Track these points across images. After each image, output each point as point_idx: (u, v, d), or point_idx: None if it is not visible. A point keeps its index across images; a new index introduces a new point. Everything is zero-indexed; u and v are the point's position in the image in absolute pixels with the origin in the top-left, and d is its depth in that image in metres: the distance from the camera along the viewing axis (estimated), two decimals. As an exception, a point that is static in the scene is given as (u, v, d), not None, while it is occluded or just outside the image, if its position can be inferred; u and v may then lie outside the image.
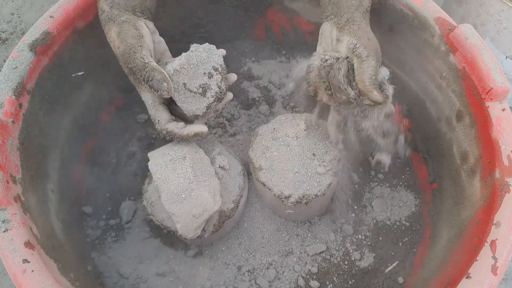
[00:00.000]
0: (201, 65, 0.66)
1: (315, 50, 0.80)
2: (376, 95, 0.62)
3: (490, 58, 0.68)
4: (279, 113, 1.01)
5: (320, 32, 0.72)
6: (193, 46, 0.67)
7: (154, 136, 0.98)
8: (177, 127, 0.69)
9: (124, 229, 0.86)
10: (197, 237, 0.72)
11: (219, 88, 0.67)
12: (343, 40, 0.65)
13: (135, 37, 0.64)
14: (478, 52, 0.68)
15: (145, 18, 0.70)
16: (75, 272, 0.65)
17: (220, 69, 0.68)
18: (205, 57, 0.66)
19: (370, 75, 0.62)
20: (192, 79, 0.66)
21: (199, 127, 0.70)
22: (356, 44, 0.63)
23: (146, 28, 0.68)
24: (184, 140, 0.71)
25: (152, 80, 0.62)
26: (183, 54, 0.66)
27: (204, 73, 0.66)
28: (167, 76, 0.63)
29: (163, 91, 0.63)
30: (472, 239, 0.63)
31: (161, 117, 0.68)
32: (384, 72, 0.64)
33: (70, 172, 0.83)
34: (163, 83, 0.62)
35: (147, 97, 0.67)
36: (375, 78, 0.62)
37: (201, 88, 0.66)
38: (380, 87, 0.63)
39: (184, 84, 0.66)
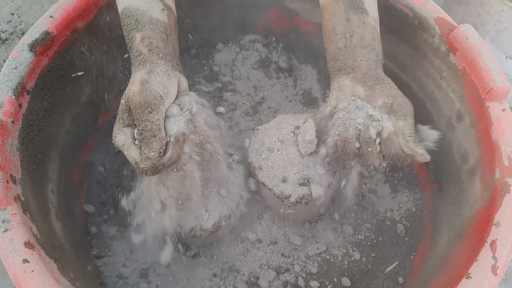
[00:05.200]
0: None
1: (316, 50, 0.80)
2: (421, 153, 0.59)
3: (490, 58, 0.68)
4: (279, 113, 1.01)
5: (335, 86, 0.67)
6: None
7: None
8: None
9: (124, 229, 0.86)
10: (197, 237, 0.72)
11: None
12: (377, 100, 0.62)
13: (160, 91, 0.58)
14: (478, 52, 0.68)
15: (180, 72, 0.64)
16: (75, 272, 0.64)
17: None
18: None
19: (410, 134, 0.60)
20: None
21: None
22: (392, 104, 0.61)
23: (176, 86, 0.62)
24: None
25: (146, 143, 0.55)
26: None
27: None
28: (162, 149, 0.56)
29: (145, 161, 0.55)
30: (472, 239, 0.63)
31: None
32: (433, 134, 0.63)
33: (70, 172, 0.83)
34: (153, 153, 0.55)
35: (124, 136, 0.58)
36: (415, 136, 0.60)
37: None
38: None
39: None
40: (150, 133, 0.56)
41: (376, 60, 0.65)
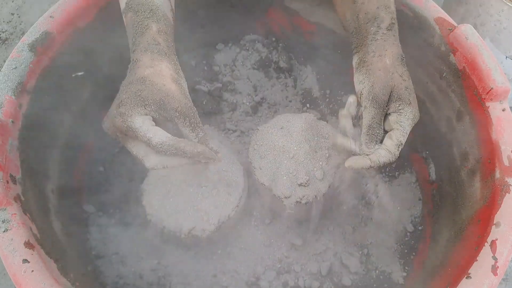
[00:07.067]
0: None
1: (316, 50, 0.79)
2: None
3: (490, 58, 0.68)
4: (279, 113, 1.01)
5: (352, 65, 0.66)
6: None
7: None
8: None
9: (125, 229, 0.86)
10: (197, 237, 0.72)
11: None
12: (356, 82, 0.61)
13: (189, 103, 0.57)
14: (478, 52, 0.68)
15: None
16: (75, 272, 0.64)
17: None
18: None
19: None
20: None
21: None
22: (362, 90, 0.60)
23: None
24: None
25: (196, 127, 0.56)
26: None
27: None
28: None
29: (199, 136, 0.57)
30: (472, 239, 0.63)
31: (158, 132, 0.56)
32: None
33: (70, 172, 0.83)
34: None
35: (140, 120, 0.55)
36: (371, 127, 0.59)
37: None
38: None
39: None
40: (198, 123, 0.57)
41: (375, 31, 0.61)
